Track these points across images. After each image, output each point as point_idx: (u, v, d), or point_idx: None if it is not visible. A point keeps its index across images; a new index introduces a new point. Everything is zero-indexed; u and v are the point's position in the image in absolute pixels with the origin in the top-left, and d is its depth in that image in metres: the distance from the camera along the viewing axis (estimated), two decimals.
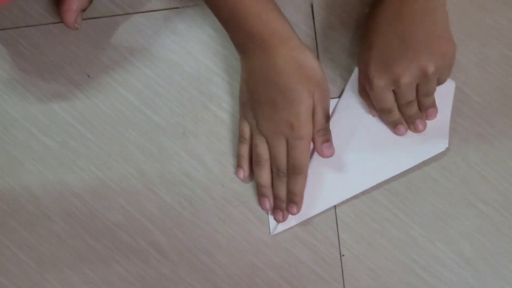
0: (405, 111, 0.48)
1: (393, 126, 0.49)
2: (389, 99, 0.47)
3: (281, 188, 0.47)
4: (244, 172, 0.49)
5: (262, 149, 0.47)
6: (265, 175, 0.48)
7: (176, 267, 0.49)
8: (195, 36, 0.52)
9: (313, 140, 0.46)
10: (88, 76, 0.51)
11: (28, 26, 0.52)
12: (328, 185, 0.49)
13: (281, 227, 0.49)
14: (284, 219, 0.48)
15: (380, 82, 0.45)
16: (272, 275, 0.49)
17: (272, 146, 0.46)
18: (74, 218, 0.50)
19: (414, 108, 0.48)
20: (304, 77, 0.44)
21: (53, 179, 0.50)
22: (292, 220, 0.49)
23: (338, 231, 0.50)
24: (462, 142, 0.50)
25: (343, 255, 0.49)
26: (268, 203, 0.48)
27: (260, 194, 0.49)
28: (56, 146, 0.51)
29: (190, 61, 0.51)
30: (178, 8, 0.52)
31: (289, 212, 0.48)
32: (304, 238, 0.50)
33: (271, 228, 0.49)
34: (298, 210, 0.47)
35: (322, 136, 0.46)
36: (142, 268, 0.49)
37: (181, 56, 0.52)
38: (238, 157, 0.49)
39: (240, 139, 0.49)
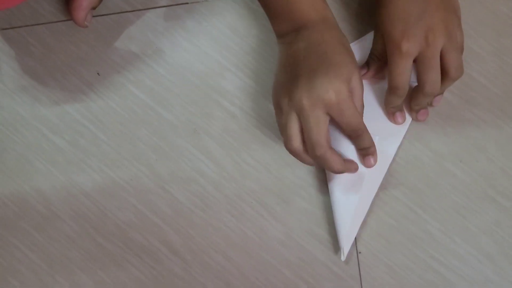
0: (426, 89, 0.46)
1: (393, 113, 0.49)
2: (409, 72, 0.45)
3: (331, 166, 0.45)
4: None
5: (295, 130, 0.44)
6: (307, 161, 0.46)
7: (189, 266, 0.50)
8: (205, 32, 0.53)
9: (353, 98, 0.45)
10: (99, 74, 0.52)
11: (37, 24, 0.53)
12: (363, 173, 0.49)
13: (347, 245, 0.48)
14: (375, 161, 0.48)
15: (411, 47, 0.43)
16: (288, 273, 0.50)
17: (308, 123, 0.43)
18: (84, 218, 0.51)
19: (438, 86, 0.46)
20: (347, 54, 0.44)
21: (64, 179, 0.51)
22: (353, 232, 0.49)
23: None
24: (480, 134, 0.51)
25: (360, 252, 0.50)
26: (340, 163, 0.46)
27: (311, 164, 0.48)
28: (67, 146, 0.52)
29: (201, 57, 0.52)
30: (187, 3, 0.53)
31: (367, 165, 0.48)
32: (319, 235, 0.50)
33: (344, 252, 0.48)
34: (375, 160, 0.48)
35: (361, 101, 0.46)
36: (154, 268, 0.50)
37: (192, 52, 0.53)
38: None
39: (281, 133, 0.46)
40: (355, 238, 0.50)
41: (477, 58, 0.51)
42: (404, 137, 0.51)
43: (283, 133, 0.46)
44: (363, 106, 0.46)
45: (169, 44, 0.53)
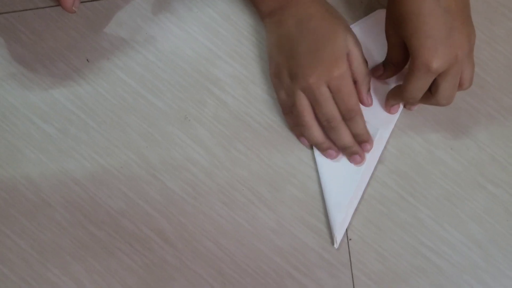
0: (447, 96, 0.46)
1: (391, 105, 0.51)
2: (427, 87, 0.45)
3: (341, 137, 0.49)
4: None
5: (305, 107, 0.47)
6: (317, 133, 0.49)
7: (180, 253, 0.51)
8: (196, 18, 0.53)
9: (358, 88, 0.48)
10: (88, 61, 0.53)
11: (26, 10, 0.53)
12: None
13: (339, 233, 0.50)
14: (362, 158, 0.50)
15: (441, 65, 0.43)
16: (279, 260, 0.51)
17: (316, 99, 0.46)
18: (75, 206, 0.51)
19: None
20: (337, 22, 0.47)
21: (54, 167, 0.52)
22: (346, 220, 0.50)
23: None
24: (471, 122, 0.52)
25: (350, 239, 0.51)
26: (335, 153, 0.50)
27: (323, 150, 0.50)
28: (57, 134, 0.52)
29: (192, 44, 0.53)
30: None
31: (364, 150, 0.50)
32: (310, 222, 0.51)
33: (336, 240, 0.50)
34: (371, 145, 0.50)
35: (367, 84, 0.49)
36: (146, 256, 0.51)
37: (182, 39, 0.53)
38: (292, 129, 0.51)
39: (284, 111, 0.50)
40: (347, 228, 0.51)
41: None
42: (395, 125, 0.52)
43: (288, 110, 0.49)
44: (366, 61, 0.48)
45: (159, 31, 0.53)
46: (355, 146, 0.49)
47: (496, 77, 0.52)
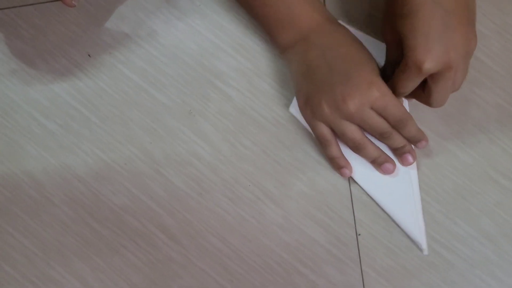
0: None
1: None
2: (416, 86, 0.45)
3: (395, 142, 0.48)
4: (349, 169, 0.50)
5: (355, 132, 0.47)
6: (372, 151, 0.49)
7: (186, 250, 0.51)
8: (198, 11, 0.53)
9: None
10: (90, 56, 0.53)
11: (26, 5, 0.53)
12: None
13: (422, 238, 0.49)
14: (414, 158, 0.49)
15: (432, 66, 0.42)
16: (286, 256, 0.51)
17: (364, 122, 0.46)
18: (78, 203, 0.51)
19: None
20: (360, 45, 0.47)
21: (56, 163, 0.52)
22: (421, 224, 0.50)
23: (353, 210, 0.51)
24: (481, 114, 0.52)
25: (359, 234, 0.51)
26: (392, 166, 0.49)
27: (379, 164, 0.49)
28: (58, 130, 0.52)
29: (194, 37, 0.53)
30: None
31: (421, 147, 0.49)
32: (318, 218, 0.51)
33: (423, 247, 0.50)
34: (427, 141, 0.49)
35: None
36: (150, 253, 0.51)
37: (185, 32, 0.53)
38: (332, 160, 0.50)
39: (324, 143, 0.49)
40: (354, 220, 0.51)
41: (480, 37, 0.51)
42: None
43: (328, 143, 0.49)
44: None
45: (161, 24, 0.53)
46: (408, 145, 0.49)
47: (506, 67, 0.52)
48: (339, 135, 0.48)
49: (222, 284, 0.50)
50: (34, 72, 0.52)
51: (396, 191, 0.49)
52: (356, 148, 0.48)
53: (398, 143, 0.48)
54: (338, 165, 0.50)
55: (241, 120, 0.52)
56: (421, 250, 0.50)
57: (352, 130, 0.47)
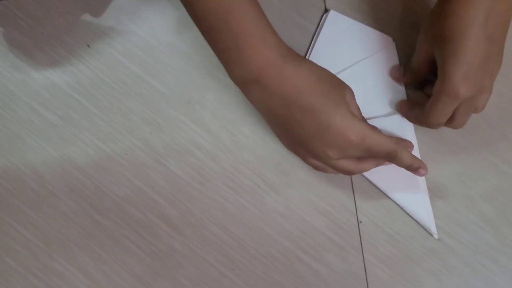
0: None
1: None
2: (451, 112, 0.45)
3: (399, 163, 0.45)
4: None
5: (352, 167, 0.45)
6: (374, 166, 0.47)
7: (188, 240, 0.51)
8: None
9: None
10: (88, 46, 0.53)
11: None
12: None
13: (431, 223, 0.49)
14: (426, 170, 0.46)
15: (468, 92, 0.42)
16: (288, 245, 0.51)
17: (340, 170, 0.45)
18: (79, 195, 0.51)
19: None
20: (328, 88, 0.42)
21: (57, 155, 0.52)
22: (429, 210, 0.50)
23: (354, 198, 0.51)
24: None
25: (360, 222, 0.51)
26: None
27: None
28: (58, 121, 0.52)
29: (194, 27, 0.50)
30: None
31: (420, 175, 0.45)
32: (319, 206, 0.51)
33: (433, 231, 0.50)
34: (425, 169, 0.45)
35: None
36: (153, 243, 0.51)
37: (183, 21, 0.52)
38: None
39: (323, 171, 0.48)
40: (355, 207, 0.51)
41: None
42: None
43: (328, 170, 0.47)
44: (358, 109, 0.45)
45: (160, 14, 0.53)
46: (417, 161, 0.45)
47: (506, 54, 0.51)
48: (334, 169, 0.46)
49: (224, 273, 0.50)
50: (33, 63, 0.52)
51: (402, 177, 0.49)
52: (359, 171, 0.46)
53: (405, 162, 0.45)
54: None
55: (241, 109, 0.52)
56: (431, 235, 0.50)
57: (348, 166, 0.44)
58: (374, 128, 0.44)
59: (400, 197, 0.49)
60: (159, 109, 0.52)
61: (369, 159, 0.45)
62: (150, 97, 0.52)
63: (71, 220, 0.51)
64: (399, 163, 0.44)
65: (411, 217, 0.50)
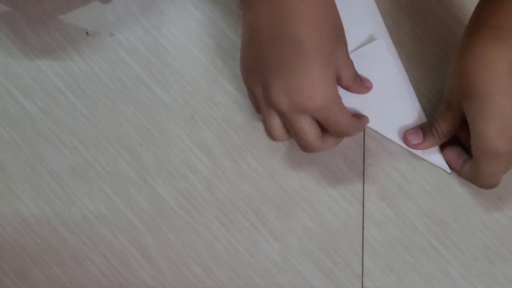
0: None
1: None
2: (502, 170, 0.44)
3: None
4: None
5: (277, 130, 0.42)
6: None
7: (162, 276, 0.47)
8: (220, 2, 0.50)
9: (354, 90, 0.44)
10: (88, 34, 0.50)
11: None
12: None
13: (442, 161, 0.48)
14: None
15: (509, 147, 0.41)
16: None
17: (293, 129, 0.41)
18: (46, 201, 0.48)
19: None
20: (326, 30, 0.39)
21: (28, 151, 0.49)
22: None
23: (363, 258, 0.47)
24: None
25: None
26: None
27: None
28: (38, 113, 0.49)
29: (212, 31, 0.49)
30: None
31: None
32: (320, 261, 0.47)
33: (446, 167, 0.48)
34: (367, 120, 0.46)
35: (360, 81, 0.45)
36: (120, 272, 0.48)
37: (202, 24, 0.50)
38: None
39: (256, 109, 0.45)
40: (362, 269, 0.47)
41: None
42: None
43: (263, 122, 0.43)
44: (358, 75, 0.44)
45: (176, 10, 0.50)
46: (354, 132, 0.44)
47: None
48: (291, 132, 0.42)
49: None
50: (20, 42, 0.49)
51: (403, 121, 0.47)
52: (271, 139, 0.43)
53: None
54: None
55: (250, 134, 0.48)
56: (445, 170, 0.47)
57: (274, 123, 0.41)
58: (341, 105, 0.42)
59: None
60: (156, 119, 0.49)
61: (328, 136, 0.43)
62: (148, 104, 0.49)
63: (30, 228, 0.48)
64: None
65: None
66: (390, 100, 0.48)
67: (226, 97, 0.49)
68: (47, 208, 0.48)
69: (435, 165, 0.47)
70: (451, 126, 0.45)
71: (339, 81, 0.42)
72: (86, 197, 0.48)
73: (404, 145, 0.47)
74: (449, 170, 0.47)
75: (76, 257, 0.47)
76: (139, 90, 0.49)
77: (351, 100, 0.46)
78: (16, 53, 0.49)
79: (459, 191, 0.47)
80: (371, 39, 0.48)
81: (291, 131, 0.41)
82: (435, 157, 0.47)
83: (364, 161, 0.48)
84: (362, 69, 0.46)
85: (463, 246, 0.47)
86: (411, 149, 0.47)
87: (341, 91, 0.43)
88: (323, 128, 0.42)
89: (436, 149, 0.47)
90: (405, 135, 0.47)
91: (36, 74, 0.49)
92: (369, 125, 0.47)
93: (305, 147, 0.42)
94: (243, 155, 0.48)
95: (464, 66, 0.42)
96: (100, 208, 0.48)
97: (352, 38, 0.47)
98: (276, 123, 0.41)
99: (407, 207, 0.47)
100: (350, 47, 0.45)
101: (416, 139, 0.47)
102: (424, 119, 0.48)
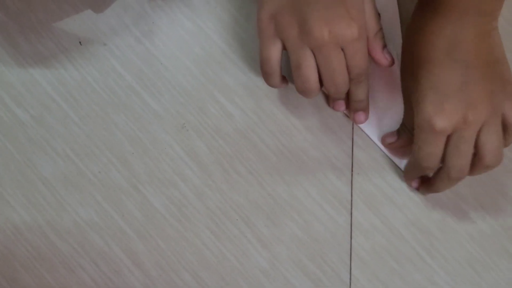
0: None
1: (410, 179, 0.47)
2: (440, 153, 0.42)
3: (355, 93, 0.45)
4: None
5: (313, 72, 0.42)
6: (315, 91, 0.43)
7: (152, 283, 0.47)
8: (212, 13, 0.50)
9: (371, 46, 0.43)
10: (81, 43, 0.49)
11: None
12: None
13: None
14: (366, 118, 0.47)
15: (447, 124, 0.40)
16: None
17: (329, 65, 0.41)
18: (37, 208, 0.48)
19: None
20: None
21: (20, 158, 0.48)
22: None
23: (350, 266, 0.47)
24: (510, 182, 0.48)
25: None
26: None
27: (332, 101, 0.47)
28: (30, 121, 0.49)
29: (203, 41, 0.49)
30: None
31: (357, 121, 0.47)
32: (309, 269, 0.47)
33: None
34: (366, 117, 0.47)
35: (381, 39, 0.43)
36: (111, 280, 0.47)
37: (193, 35, 0.50)
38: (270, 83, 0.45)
39: (267, 70, 0.44)
40: (350, 279, 0.47)
41: None
42: None
43: (272, 69, 0.43)
44: (378, 14, 0.44)
45: (168, 21, 0.50)
46: (366, 101, 0.46)
47: None
48: (292, 66, 0.42)
49: None
50: (13, 51, 0.49)
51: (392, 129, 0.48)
52: (301, 90, 0.43)
53: (358, 94, 0.45)
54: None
55: (240, 143, 0.48)
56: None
57: (310, 66, 0.41)
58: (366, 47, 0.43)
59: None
60: (148, 128, 0.48)
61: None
62: (140, 113, 0.49)
63: (21, 235, 0.48)
64: (358, 92, 0.44)
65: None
66: (385, 107, 0.48)
67: (217, 107, 0.49)
68: (39, 215, 0.47)
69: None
70: (413, 118, 0.44)
71: None
72: (78, 204, 0.47)
73: (390, 156, 0.48)
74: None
75: (67, 264, 0.47)
76: (130, 100, 0.49)
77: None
78: (9, 61, 0.49)
79: (444, 202, 0.47)
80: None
81: (326, 69, 0.41)
82: None
83: (352, 170, 0.48)
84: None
85: (449, 255, 0.47)
86: (393, 158, 0.48)
87: None
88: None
89: None
90: (382, 137, 0.48)
91: (29, 82, 0.49)
92: (361, 126, 0.48)
93: (338, 85, 0.42)
94: (233, 164, 0.48)
95: (408, 40, 0.42)
96: (91, 216, 0.47)
97: None
98: (312, 64, 0.41)
99: (394, 216, 0.47)
100: None
101: (390, 137, 0.47)
102: None
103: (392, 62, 0.44)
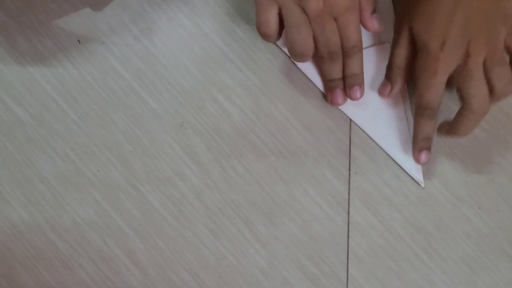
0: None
1: (419, 149, 0.47)
2: (443, 90, 0.44)
3: (336, 70, 0.46)
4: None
5: (307, 40, 0.44)
6: (337, 68, 0.46)
7: (151, 282, 0.47)
8: (211, 12, 0.50)
9: (362, 10, 0.44)
10: (79, 42, 0.49)
11: None
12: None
13: (419, 173, 0.48)
14: (361, 94, 0.47)
15: (450, 60, 0.42)
16: None
17: (323, 32, 0.43)
18: (37, 208, 0.48)
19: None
20: None
21: (19, 157, 0.48)
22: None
23: (348, 265, 0.48)
24: (507, 181, 0.48)
25: None
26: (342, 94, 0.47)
27: (331, 89, 0.47)
28: (30, 120, 0.49)
29: (202, 41, 0.49)
30: None
31: (353, 97, 0.46)
32: (307, 268, 0.47)
33: (421, 180, 0.48)
34: (362, 93, 0.47)
35: (371, 4, 0.44)
36: (110, 278, 0.47)
37: (192, 34, 0.50)
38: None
39: (265, 31, 0.45)
40: (347, 277, 0.47)
41: None
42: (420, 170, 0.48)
43: (272, 32, 0.44)
44: (374, 12, 0.45)
45: (167, 21, 0.50)
46: (361, 75, 0.46)
47: None
48: (290, 27, 0.43)
49: None
50: (13, 50, 0.49)
51: (391, 126, 0.48)
52: (300, 51, 0.44)
53: (352, 68, 0.46)
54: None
55: (238, 142, 0.49)
56: (419, 184, 0.48)
57: (307, 37, 0.43)
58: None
59: (388, 144, 0.48)
60: (146, 127, 0.49)
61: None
62: (139, 112, 0.49)
63: (20, 234, 0.48)
64: (353, 65, 0.45)
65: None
66: (384, 105, 0.48)
67: (216, 106, 0.49)
68: (38, 214, 0.47)
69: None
70: (408, 51, 0.45)
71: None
72: (77, 203, 0.47)
73: (389, 152, 0.48)
74: (423, 184, 0.48)
75: (66, 263, 0.47)
76: (129, 99, 0.49)
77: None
78: (9, 60, 0.49)
79: (441, 201, 0.48)
80: (379, 41, 0.49)
81: (322, 38, 0.43)
82: (412, 168, 0.48)
83: (349, 169, 0.48)
84: (365, 68, 0.47)
85: (446, 255, 0.47)
86: (393, 157, 0.48)
87: None
88: None
89: (413, 162, 0.48)
90: (378, 91, 0.48)
91: (28, 81, 0.49)
92: (359, 124, 0.48)
93: (336, 53, 0.44)
94: (231, 163, 0.48)
95: None
96: (90, 215, 0.47)
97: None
98: (306, 32, 0.43)
99: (391, 215, 0.47)
100: None
101: (386, 87, 0.47)
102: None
103: (378, 29, 0.45)
